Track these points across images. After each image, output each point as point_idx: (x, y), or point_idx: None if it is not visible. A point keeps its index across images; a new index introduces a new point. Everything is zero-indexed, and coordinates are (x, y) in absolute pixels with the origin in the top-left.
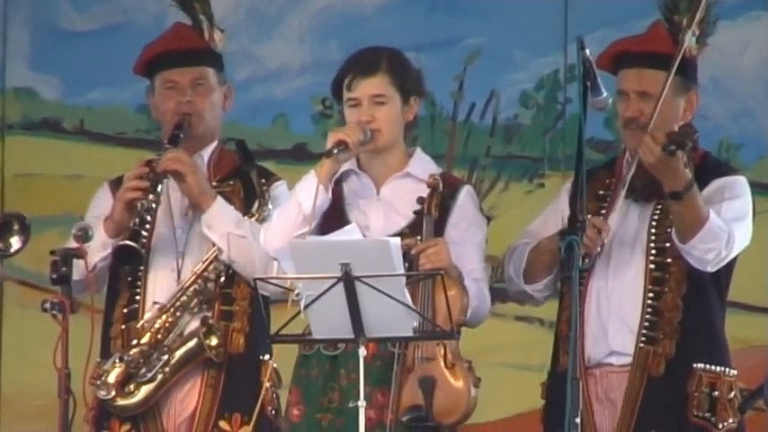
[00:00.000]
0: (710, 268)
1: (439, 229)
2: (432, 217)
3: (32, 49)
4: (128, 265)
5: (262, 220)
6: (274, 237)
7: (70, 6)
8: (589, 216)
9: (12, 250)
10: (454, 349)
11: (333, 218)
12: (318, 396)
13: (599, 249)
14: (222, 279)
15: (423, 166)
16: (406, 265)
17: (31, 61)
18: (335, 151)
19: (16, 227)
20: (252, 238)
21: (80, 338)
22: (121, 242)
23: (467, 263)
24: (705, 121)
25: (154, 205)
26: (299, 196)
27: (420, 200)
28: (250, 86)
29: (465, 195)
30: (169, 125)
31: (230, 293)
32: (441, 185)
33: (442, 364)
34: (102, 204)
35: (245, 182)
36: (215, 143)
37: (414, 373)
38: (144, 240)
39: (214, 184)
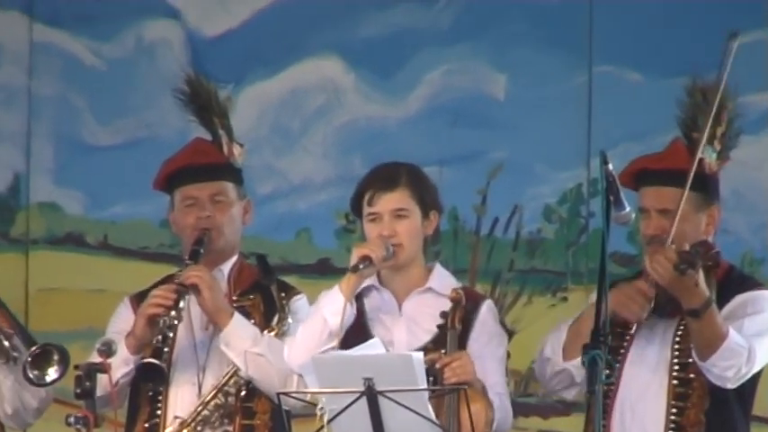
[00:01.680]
0: (731, 385)
1: (461, 343)
2: (456, 331)
3: (56, 163)
4: (152, 383)
5: (282, 335)
6: (299, 352)
7: (93, 120)
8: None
9: (47, 380)
10: None
11: (355, 333)
12: None
13: (645, 315)
14: (243, 393)
15: (443, 280)
16: (431, 379)
17: (54, 176)
18: (361, 266)
19: (56, 357)
20: (270, 354)
21: None
22: (146, 360)
23: (488, 376)
24: (727, 235)
25: (176, 322)
26: (324, 311)
27: (443, 314)
28: (273, 200)
29: (486, 310)
30: (189, 240)
31: (251, 407)
32: (464, 299)
33: None
34: (122, 320)
35: (266, 296)
36: (235, 257)
37: None
38: (165, 356)
39: (234, 297)
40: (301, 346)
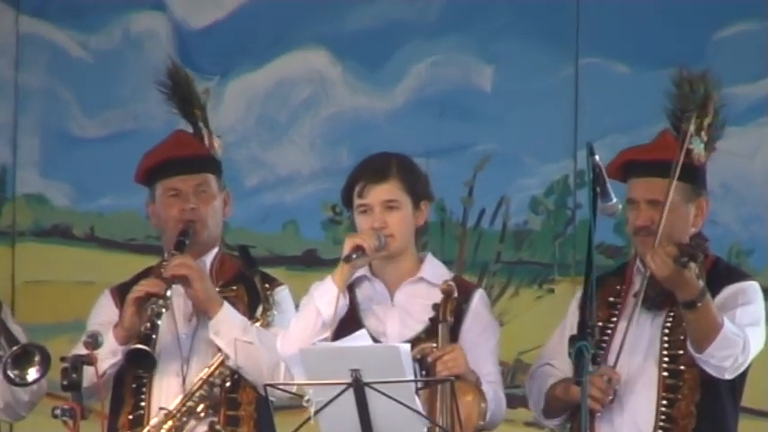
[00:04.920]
0: (728, 375)
1: (453, 333)
2: (447, 324)
3: (43, 155)
4: (141, 370)
5: (267, 325)
6: (293, 343)
7: (80, 113)
8: (599, 368)
9: (28, 380)
10: None
11: (348, 324)
12: None
13: (611, 398)
14: (228, 384)
15: (435, 270)
16: (423, 372)
17: (41, 168)
18: (354, 257)
19: (37, 358)
20: (259, 343)
21: None
22: (135, 346)
23: (481, 367)
24: (715, 227)
25: (164, 310)
26: (317, 302)
27: (435, 306)
28: (260, 193)
29: (478, 300)
30: (172, 232)
31: (236, 398)
32: (455, 291)
33: None
34: (104, 311)
35: (248, 286)
36: (216, 249)
37: None
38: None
39: (217, 289)
40: (295, 337)
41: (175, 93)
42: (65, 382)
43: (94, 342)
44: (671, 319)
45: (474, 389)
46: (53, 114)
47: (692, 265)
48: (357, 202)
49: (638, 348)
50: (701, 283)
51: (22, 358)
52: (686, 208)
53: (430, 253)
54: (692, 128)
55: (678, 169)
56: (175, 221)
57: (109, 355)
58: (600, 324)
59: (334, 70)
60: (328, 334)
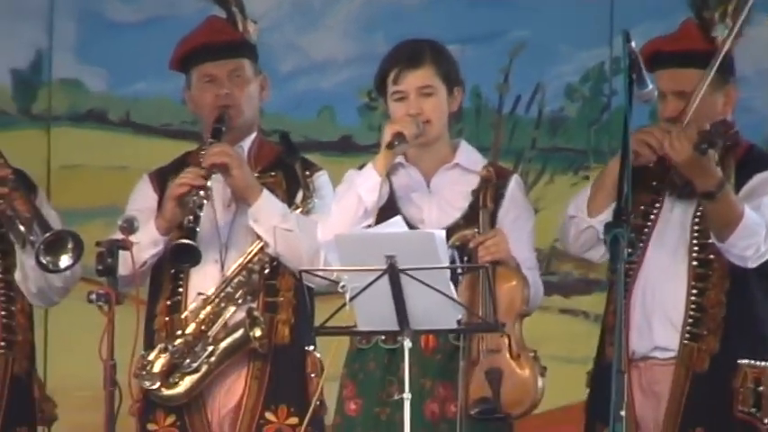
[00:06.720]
0: (752, 264)
1: (491, 220)
2: (488, 209)
3: (79, 40)
4: (186, 264)
5: (307, 212)
6: (333, 230)
7: None
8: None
9: (61, 266)
10: (519, 339)
11: (386, 211)
12: (377, 390)
13: (660, 152)
14: (267, 270)
15: (470, 156)
16: (466, 258)
17: (77, 52)
18: (396, 143)
19: (70, 245)
20: (298, 231)
21: (125, 330)
22: (180, 241)
23: (518, 252)
24: (750, 114)
25: (205, 201)
26: (359, 189)
27: (474, 192)
28: (295, 78)
29: (514, 185)
30: (208, 119)
31: (275, 285)
32: (494, 177)
33: (508, 354)
34: (142, 197)
35: (287, 172)
36: (254, 134)
37: (480, 365)
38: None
39: (255, 175)
40: (336, 224)
41: None
42: (100, 267)
43: (130, 227)
44: (701, 209)
45: (517, 274)
46: None
47: (711, 152)
48: (392, 88)
49: (669, 237)
50: (719, 173)
51: (55, 245)
52: (714, 97)
53: (463, 139)
54: (716, 15)
55: (715, 67)
56: (210, 107)
57: (150, 246)
58: (642, 208)
59: None
60: (370, 221)
